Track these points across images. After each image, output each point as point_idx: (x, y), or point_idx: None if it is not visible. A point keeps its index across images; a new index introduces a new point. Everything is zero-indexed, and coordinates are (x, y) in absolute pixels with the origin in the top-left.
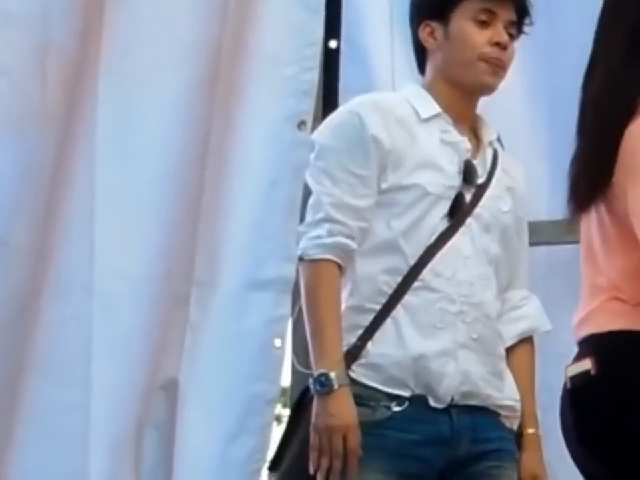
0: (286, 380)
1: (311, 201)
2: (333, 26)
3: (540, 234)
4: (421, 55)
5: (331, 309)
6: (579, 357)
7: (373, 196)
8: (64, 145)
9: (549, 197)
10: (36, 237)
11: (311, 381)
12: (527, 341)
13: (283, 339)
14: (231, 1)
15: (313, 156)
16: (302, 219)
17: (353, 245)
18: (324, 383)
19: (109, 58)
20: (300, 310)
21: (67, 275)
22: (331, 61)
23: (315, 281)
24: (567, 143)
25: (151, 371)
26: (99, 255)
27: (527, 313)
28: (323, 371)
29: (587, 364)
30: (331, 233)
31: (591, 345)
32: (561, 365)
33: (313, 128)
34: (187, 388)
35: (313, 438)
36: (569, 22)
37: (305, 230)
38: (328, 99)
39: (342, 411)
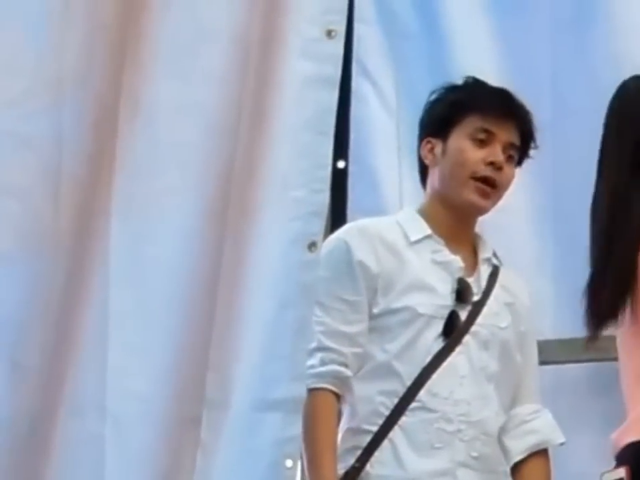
0: None
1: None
2: (340, 146)
3: (546, 353)
4: (423, 172)
5: (327, 438)
6: (616, 465)
7: (365, 321)
8: (76, 266)
9: (554, 316)
10: (48, 356)
11: None
12: (539, 454)
13: (294, 459)
14: (242, 123)
15: None
16: None
17: (347, 372)
18: None
19: (120, 182)
20: None
21: (81, 394)
22: (339, 181)
23: (311, 411)
24: (572, 262)
25: None
26: (111, 375)
27: (537, 427)
28: None
29: (620, 473)
30: (323, 362)
31: (628, 454)
32: None
33: None
34: None
35: None
36: (574, 141)
37: None
38: (336, 220)
39: None
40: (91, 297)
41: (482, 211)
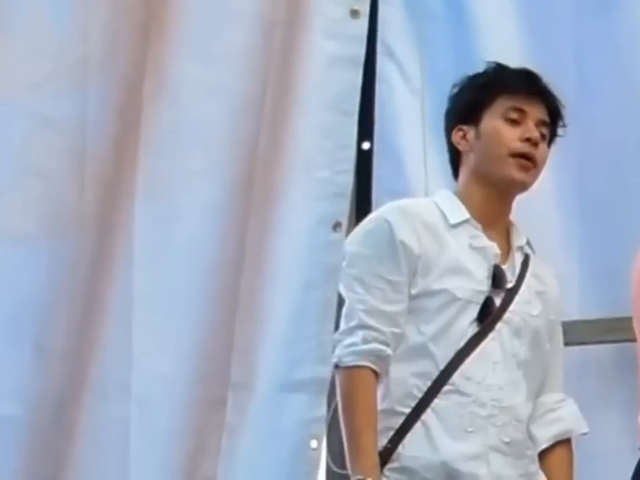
0: None
1: (344, 309)
2: (365, 127)
3: (572, 334)
4: (455, 160)
5: (367, 416)
6: None
7: (405, 301)
8: (100, 248)
9: (580, 297)
10: (72, 340)
11: None
12: (563, 443)
13: (319, 440)
14: (266, 103)
15: (344, 264)
16: (337, 324)
17: (388, 350)
18: None
19: (145, 163)
20: (335, 411)
21: (106, 376)
22: (364, 163)
23: (352, 388)
24: (598, 243)
25: (188, 472)
26: (136, 356)
27: (563, 416)
28: (359, 477)
29: None
30: (365, 340)
31: None
32: (595, 465)
33: (347, 230)
34: None
35: None
36: (600, 123)
37: (339, 338)
38: (361, 201)
39: None
40: (115, 278)
41: (524, 186)
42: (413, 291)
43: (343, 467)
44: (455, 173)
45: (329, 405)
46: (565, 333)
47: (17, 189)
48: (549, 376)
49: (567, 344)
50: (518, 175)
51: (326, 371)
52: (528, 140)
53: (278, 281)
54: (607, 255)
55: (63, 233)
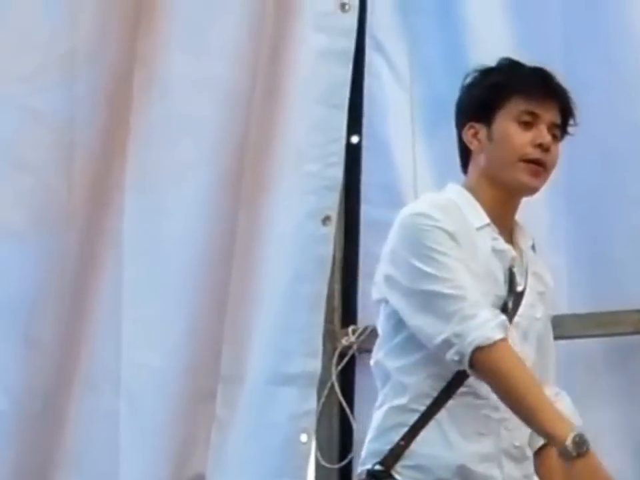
0: (310, 476)
1: (434, 301)
2: (354, 121)
3: (561, 327)
4: (465, 156)
5: (536, 383)
6: None
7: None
8: (90, 241)
9: (569, 291)
10: (62, 332)
11: (567, 445)
12: None
13: (309, 434)
14: (256, 96)
15: (400, 262)
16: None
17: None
18: (581, 441)
19: (134, 155)
20: (324, 405)
21: (96, 369)
22: (353, 156)
23: (515, 359)
24: (586, 237)
25: (177, 465)
26: (125, 349)
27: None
28: (575, 432)
29: None
30: (495, 314)
31: None
32: None
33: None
34: None
35: None
36: (589, 115)
37: (460, 328)
38: (350, 195)
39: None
40: (104, 271)
41: (533, 190)
42: None
43: (332, 461)
44: (464, 168)
45: (317, 399)
46: (554, 326)
47: (6, 182)
48: (544, 370)
49: (556, 338)
50: (528, 180)
51: (315, 364)
52: (540, 146)
53: (268, 274)
54: (596, 248)
55: (52, 226)
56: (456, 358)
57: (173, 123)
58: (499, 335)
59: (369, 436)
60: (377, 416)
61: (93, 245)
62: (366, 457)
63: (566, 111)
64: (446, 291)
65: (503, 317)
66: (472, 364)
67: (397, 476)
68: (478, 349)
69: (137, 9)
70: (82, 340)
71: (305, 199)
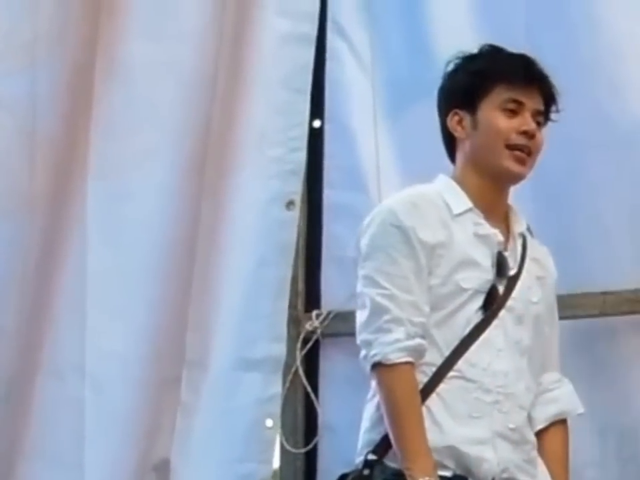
0: (275, 461)
1: (366, 304)
2: (316, 106)
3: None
4: (450, 143)
5: (419, 415)
6: None
7: (426, 290)
8: (53, 227)
9: None
10: (25, 319)
11: None
12: (559, 424)
13: (274, 419)
14: (218, 81)
15: (361, 259)
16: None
17: (426, 344)
18: None
19: (97, 141)
20: (289, 389)
21: (60, 356)
22: (315, 140)
23: (402, 387)
24: (551, 221)
25: (143, 451)
26: (90, 336)
27: (558, 396)
28: (430, 478)
29: None
30: (409, 336)
31: None
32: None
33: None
34: (179, 468)
35: None
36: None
37: (374, 336)
38: (311, 179)
39: None
40: (68, 258)
41: (519, 177)
42: (432, 282)
43: (297, 445)
44: (451, 155)
45: (282, 384)
46: None
47: None
48: (547, 356)
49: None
50: (513, 166)
51: (280, 349)
52: (525, 133)
53: (232, 259)
54: (561, 233)
55: (14, 212)
56: (364, 360)
57: (135, 108)
58: (400, 359)
59: (363, 427)
60: (369, 407)
61: (55, 231)
62: (361, 447)
63: (548, 98)
64: (375, 297)
65: (417, 342)
66: (373, 372)
67: (389, 463)
68: (378, 364)
69: None
70: (45, 327)
71: (269, 183)
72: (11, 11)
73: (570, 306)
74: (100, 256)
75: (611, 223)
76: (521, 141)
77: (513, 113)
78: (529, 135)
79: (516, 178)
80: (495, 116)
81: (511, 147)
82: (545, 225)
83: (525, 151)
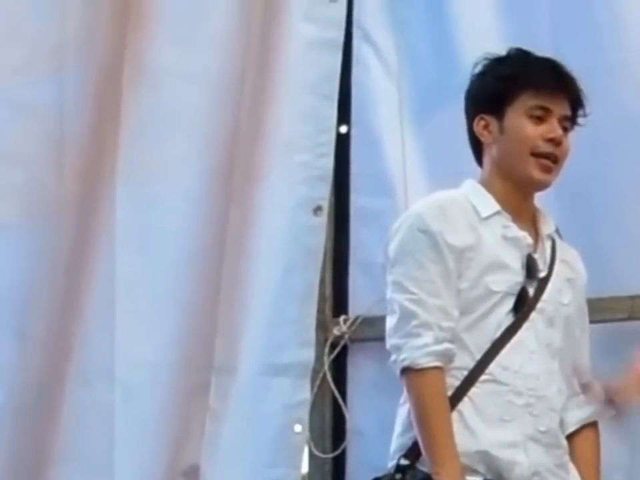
0: (304, 466)
1: (397, 309)
2: (342, 111)
3: None
4: (477, 146)
5: (447, 419)
6: None
7: (455, 294)
8: (82, 234)
9: None
10: (55, 325)
11: None
12: (590, 427)
13: (302, 424)
14: (246, 87)
15: (389, 264)
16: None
17: (455, 348)
18: None
19: (125, 148)
20: (317, 394)
21: (90, 362)
22: (341, 146)
23: (431, 392)
24: (576, 224)
25: (172, 457)
26: (119, 342)
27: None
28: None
29: None
30: (437, 341)
31: None
32: None
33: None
34: (208, 474)
35: None
36: None
37: (404, 341)
38: (338, 185)
39: None
40: (97, 264)
41: (544, 185)
42: (461, 285)
43: (325, 450)
44: (478, 159)
45: (311, 389)
46: None
47: None
48: (578, 357)
49: None
50: (539, 175)
51: (309, 354)
52: (551, 140)
53: (259, 265)
54: (587, 236)
55: (43, 219)
56: (394, 364)
57: (162, 115)
58: (428, 363)
59: (396, 432)
60: (402, 412)
61: (84, 237)
62: (393, 451)
63: (575, 102)
64: (404, 302)
65: (445, 346)
66: (402, 376)
67: (421, 467)
68: (407, 368)
69: (126, 2)
70: (75, 333)
71: (296, 189)
72: (38, 16)
73: (598, 310)
74: (128, 262)
75: (638, 226)
76: (547, 148)
77: (540, 119)
78: (556, 142)
79: (541, 186)
80: (522, 123)
81: (536, 155)
82: (571, 229)
83: (551, 158)
